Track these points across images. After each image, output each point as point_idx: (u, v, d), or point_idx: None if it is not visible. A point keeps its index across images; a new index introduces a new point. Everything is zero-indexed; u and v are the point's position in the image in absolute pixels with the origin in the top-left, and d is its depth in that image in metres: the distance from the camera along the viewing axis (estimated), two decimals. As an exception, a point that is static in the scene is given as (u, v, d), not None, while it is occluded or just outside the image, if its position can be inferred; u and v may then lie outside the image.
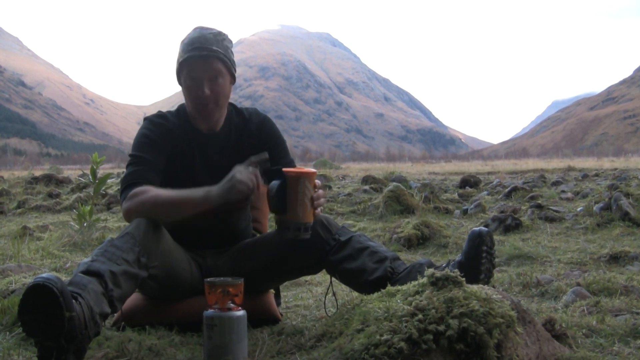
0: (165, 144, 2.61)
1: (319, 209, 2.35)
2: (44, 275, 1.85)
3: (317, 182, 2.32)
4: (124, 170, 2.62)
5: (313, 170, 2.31)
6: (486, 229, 2.36)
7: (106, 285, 2.08)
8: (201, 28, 2.61)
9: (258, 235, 2.92)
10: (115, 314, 2.62)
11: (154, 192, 2.41)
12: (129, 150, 2.66)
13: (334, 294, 2.71)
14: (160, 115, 2.70)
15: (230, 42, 2.66)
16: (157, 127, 2.64)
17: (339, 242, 2.53)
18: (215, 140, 2.68)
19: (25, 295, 1.84)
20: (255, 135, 2.73)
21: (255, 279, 2.62)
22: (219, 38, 2.59)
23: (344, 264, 2.50)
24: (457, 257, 2.40)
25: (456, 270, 2.03)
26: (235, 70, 2.67)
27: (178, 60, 2.59)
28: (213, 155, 2.68)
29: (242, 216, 2.81)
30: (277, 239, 2.60)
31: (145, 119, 2.71)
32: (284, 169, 2.27)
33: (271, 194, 2.26)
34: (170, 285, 2.53)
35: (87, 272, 2.09)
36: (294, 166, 2.60)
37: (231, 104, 2.77)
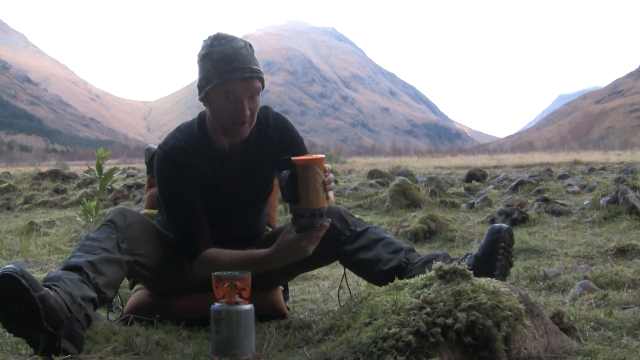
0: (193, 183, 2.50)
1: (330, 193, 2.32)
2: (2, 267, 1.90)
3: (327, 166, 2.30)
4: (169, 215, 2.52)
5: (321, 155, 2.30)
6: (506, 225, 2.35)
7: (87, 276, 2.13)
8: (227, 39, 2.40)
9: (269, 229, 2.92)
10: (122, 310, 2.64)
11: (214, 264, 2.40)
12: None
13: (347, 286, 2.70)
14: (178, 150, 2.50)
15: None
16: (180, 170, 2.48)
17: (355, 232, 2.53)
18: (237, 152, 2.58)
19: None
20: (276, 141, 2.63)
21: (271, 273, 2.55)
22: (251, 52, 2.42)
23: (359, 253, 2.50)
24: (475, 250, 2.40)
25: (464, 263, 2.03)
26: None
27: (209, 78, 2.39)
28: (235, 168, 2.59)
29: (259, 216, 2.78)
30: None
31: (163, 151, 2.51)
32: (293, 158, 2.26)
33: (282, 184, 2.25)
34: (166, 275, 2.54)
35: (65, 268, 2.15)
36: None
37: None
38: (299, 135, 2.70)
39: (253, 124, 2.51)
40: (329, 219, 2.30)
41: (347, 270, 2.64)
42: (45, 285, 1.96)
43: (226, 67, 2.35)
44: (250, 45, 2.45)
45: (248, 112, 2.41)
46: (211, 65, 2.38)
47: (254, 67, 2.39)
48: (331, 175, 2.31)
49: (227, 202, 2.61)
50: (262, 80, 2.45)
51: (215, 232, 2.56)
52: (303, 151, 2.65)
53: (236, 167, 2.59)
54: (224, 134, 2.49)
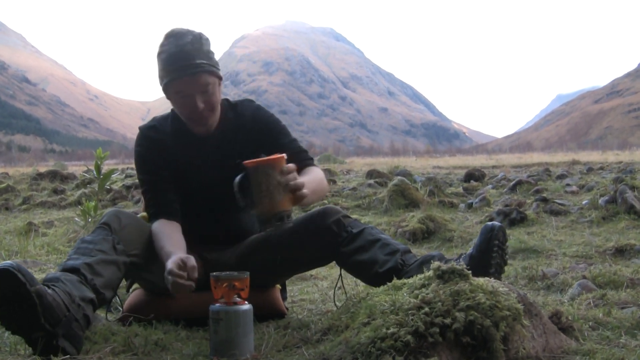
0: (163, 160, 2.62)
1: (299, 193, 2.16)
2: None
3: (290, 165, 2.18)
4: (140, 187, 2.72)
5: (277, 155, 2.15)
6: (499, 224, 2.35)
7: (85, 277, 2.14)
8: (175, 37, 2.44)
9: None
10: (121, 310, 2.64)
11: (155, 237, 2.47)
12: (133, 147, 2.70)
13: (342, 287, 2.71)
14: (151, 127, 2.68)
15: (207, 40, 2.51)
16: (151, 143, 2.64)
17: (351, 234, 2.53)
18: (212, 141, 2.63)
19: None
20: (251, 128, 2.66)
21: (266, 273, 2.61)
22: (197, 46, 2.44)
23: (356, 255, 2.50)
24: (469, 250, 2.40)
25: (462, 263, 2.03)
26: (219, 69, 2.57)
27: (161, 77, 2.48)
28: (213, 156, 2.64)
29: (244, 216, 2.79)
30: (287, 233, 2.58)
31: (140, 129, 2.70)
32: (244, 162, 2.16)
33: (234, 189, 2.17)
34: (163, 276, 2.54)
35: (62, 270, 2.16)
36: (296, 145, 2.63)
37: (224, 100, 2.71)
38: (274, 119, 2.72)
39: (215, 112, 2.57)
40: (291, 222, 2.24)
41: (344, 271, 2.65)
42: (44, 285, 1.96)
43: (171, 66, 2.42)
44: (201, 37, 2.48)
45: (202, 106, 2.47)
46: (161, 65, 2.47)
47: (198, 61, 2.42)
48: (291, 175, 2.16)
49: (207, 191, 2.64)
50: (211, 72, 2.47)
51: (200, 232, 2.63)
52: (281, 133, 2.68)
53: (212, 154, 2.64)
54: (192, 124, 2.59)
